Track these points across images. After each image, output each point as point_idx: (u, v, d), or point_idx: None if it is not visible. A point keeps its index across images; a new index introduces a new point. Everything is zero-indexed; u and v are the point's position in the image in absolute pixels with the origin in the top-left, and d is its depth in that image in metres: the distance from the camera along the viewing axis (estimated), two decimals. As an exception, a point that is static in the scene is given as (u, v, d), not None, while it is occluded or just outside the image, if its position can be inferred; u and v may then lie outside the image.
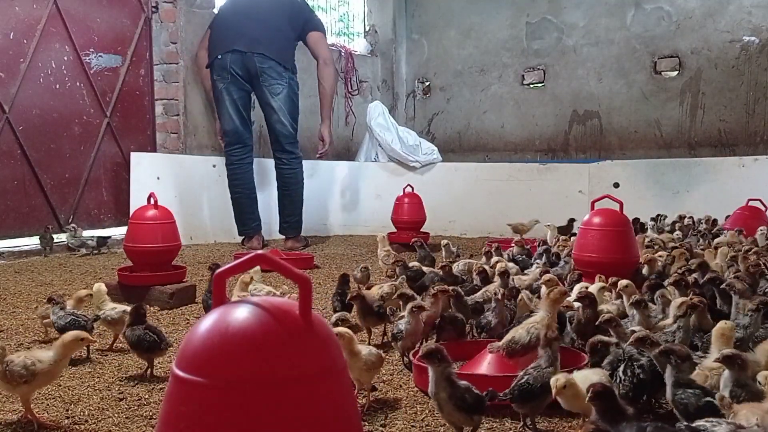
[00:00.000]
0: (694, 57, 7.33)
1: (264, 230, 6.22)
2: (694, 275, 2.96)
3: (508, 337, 2.24)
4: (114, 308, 2.80)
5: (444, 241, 4.59)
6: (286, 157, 5.89)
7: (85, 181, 5.91)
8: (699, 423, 1.53)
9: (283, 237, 6.05)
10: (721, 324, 2.00)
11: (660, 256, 3.56)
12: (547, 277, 2.84)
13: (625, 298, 2.68)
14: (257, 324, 1.04)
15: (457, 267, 3.73)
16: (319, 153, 6.25)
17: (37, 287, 4.00)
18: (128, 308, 2.70)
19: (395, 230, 5.95)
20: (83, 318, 2.72)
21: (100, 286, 2.89)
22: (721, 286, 2.60)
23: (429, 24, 9.11)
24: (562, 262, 3.68)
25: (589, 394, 1.61)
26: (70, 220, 5.65)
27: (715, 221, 4.93)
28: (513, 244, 4.35)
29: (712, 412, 1.70)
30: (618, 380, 1.94)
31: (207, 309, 3.06)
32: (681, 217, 5.12)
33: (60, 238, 5.45)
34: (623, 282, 2.74)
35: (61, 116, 5.71)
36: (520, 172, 6.92)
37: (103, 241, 5.41)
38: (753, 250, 3.52)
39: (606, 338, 2.11)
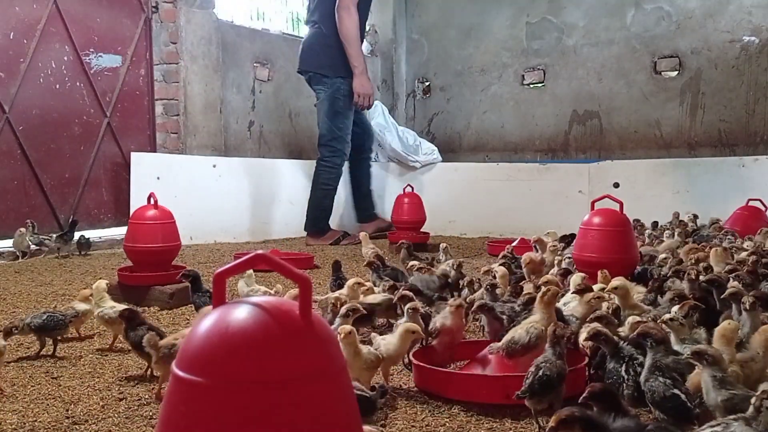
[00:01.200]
0: (694, 57, 7.33)
1: (264, 231, 6.28)
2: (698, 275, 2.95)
3: (507, 337, 2.24)
4: (113, 307, 2.80)
5: (442, 245, 4.46)
6: (319, 156, 6.13)
7: (85, 181, 5.91)
8: None
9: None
10: (724, 324, 1.99)
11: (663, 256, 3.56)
12: (546, 278, 2.84)
13: (618, 299, 2.67)
14: (257, 324, 1.04)
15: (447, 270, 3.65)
16: (355, 105, 6.03)
17: (37, 287, 4.00)
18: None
19: (395, 230, 5.96)
20: (59, 314, 2.73)
21: (100, 284, 2.88)
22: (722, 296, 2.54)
23: (429, 24, 9.11)
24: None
25: (584, 395, 1.60)
26: (70, 220, 5.65)
27: (717, 221, 4.91)
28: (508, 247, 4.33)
29: (676, 404, 1.72)
30: (621, 380, 1.94)
31: (197, 308, 3.03)
32: (677, 217, 5.09)
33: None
34: (614, 283, 2.72)
35: (61, 116, 5.71)
36: (520, 172, 6.92)
37: (86, 243, 5.22)
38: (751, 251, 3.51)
39: (606, 330, 2.10)
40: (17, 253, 5.03)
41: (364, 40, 8.99)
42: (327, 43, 5.92)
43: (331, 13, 5.83)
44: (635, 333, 2.00)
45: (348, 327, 2.13)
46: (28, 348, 2.79)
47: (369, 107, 6.09)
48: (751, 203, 5.11)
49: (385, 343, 2.21)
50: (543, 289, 2.40)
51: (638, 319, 2.30)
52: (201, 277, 3.06)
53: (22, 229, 4.99)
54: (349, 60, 5.88)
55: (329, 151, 6.04)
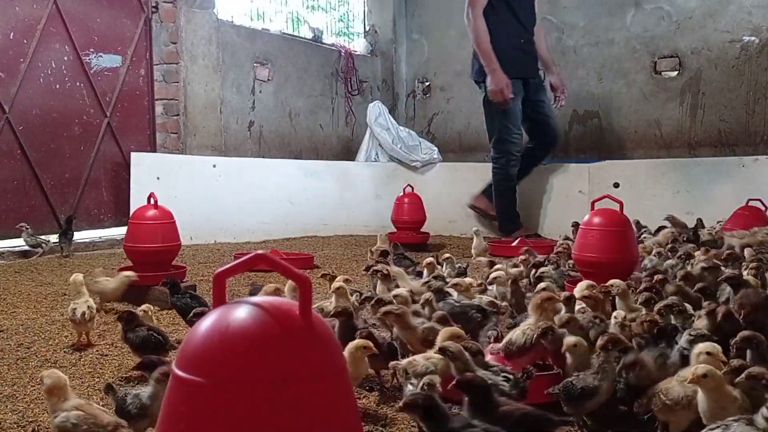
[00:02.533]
0: (694, 57, 7.33)
1: (264, 231, 6.30)
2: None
3: (506, 338, 2.27)
4: (76, 305, 2.78)
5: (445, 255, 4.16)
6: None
7: (85, 181, 5.91)
8: None
9: None
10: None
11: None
12: (543, 285, 2.84)
13: (618, 301, 2.66)
14: (257, 324, 1.04)
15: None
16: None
17: (37, 287, 4.00)
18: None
19: (395, 230, 5.96)
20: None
21: (77, 277, 2.89)
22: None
23: (429, 24, 9.11)
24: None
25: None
26: (65, 218, 5.65)
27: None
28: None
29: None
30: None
31: (179, 309, 3.03)
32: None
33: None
34: (612, 281, 2.70)
35: (61, 116, 5.71)
36: (520, 172, 6.90)
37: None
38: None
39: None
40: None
41: (366, 40, 9.03)
42: (475, 51, 6.02)
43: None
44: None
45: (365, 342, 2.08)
46: (28, 348, 2.79)
47: (505, 103, 5.84)
48: (751, 203, 5.10)
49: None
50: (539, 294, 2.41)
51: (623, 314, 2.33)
52: (179, 283, 3.11)
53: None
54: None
55: (495, 152, 6.06)
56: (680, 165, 6.42)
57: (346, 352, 2.02)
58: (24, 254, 5.08)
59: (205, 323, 1.07)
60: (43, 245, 5.12)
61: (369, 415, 2.08)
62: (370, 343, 2.07)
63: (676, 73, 7.45)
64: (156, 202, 3.76)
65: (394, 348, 2.31)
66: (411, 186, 6.15)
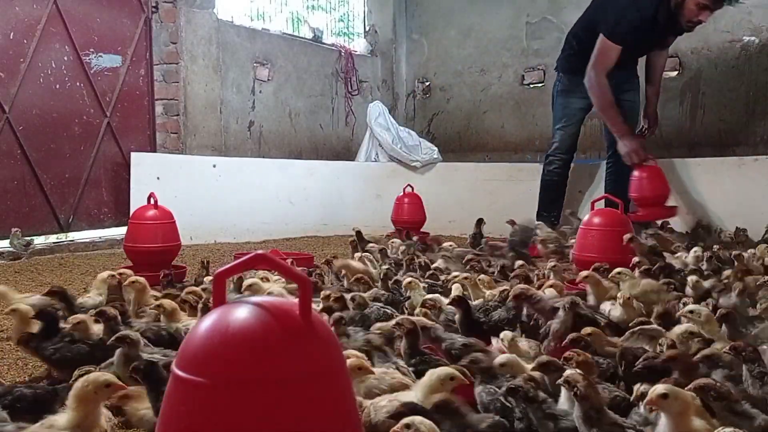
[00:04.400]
0: (694, 57, 7.32)
1: (264, 231, 6.29)
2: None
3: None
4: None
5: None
6: None
7: (85, 181, 5.91)
8: None
9: None
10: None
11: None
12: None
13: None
14: (257, 324, 1.04)
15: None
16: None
17: (37, 287, 4.00)
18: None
19: (395, 230, 5.95)
20: None
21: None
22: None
23: (429, 24, 9.11)
24: None
25: None
26: (70, 220, 5.65)
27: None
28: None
29: None
30: None
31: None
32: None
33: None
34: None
35: (61, 116, 5.71)
36: (520, 172, 6.91)
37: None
38: None
39: None
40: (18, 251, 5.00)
41: (366, 40, 9.03)
42: (567, 43, 5.93)
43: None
44: None
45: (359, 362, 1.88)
46: (28, 348, 2.78)
47: (636, 163, 5.19)
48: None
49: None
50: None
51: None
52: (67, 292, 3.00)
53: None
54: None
55: (550, 143, 5.83)
56: (680, 165, 6.41)
57: (426, 380, 1.69)
58: (13, 256, 5.04)
59: (205, 323, 1.07)
60: (31, 245, 5.11)
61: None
62: (458, 374, 1.70)
63: (676, 73, 7.44)
64: (156, 202, 3.77)
65: None
66: (411, 186, 6.15)
